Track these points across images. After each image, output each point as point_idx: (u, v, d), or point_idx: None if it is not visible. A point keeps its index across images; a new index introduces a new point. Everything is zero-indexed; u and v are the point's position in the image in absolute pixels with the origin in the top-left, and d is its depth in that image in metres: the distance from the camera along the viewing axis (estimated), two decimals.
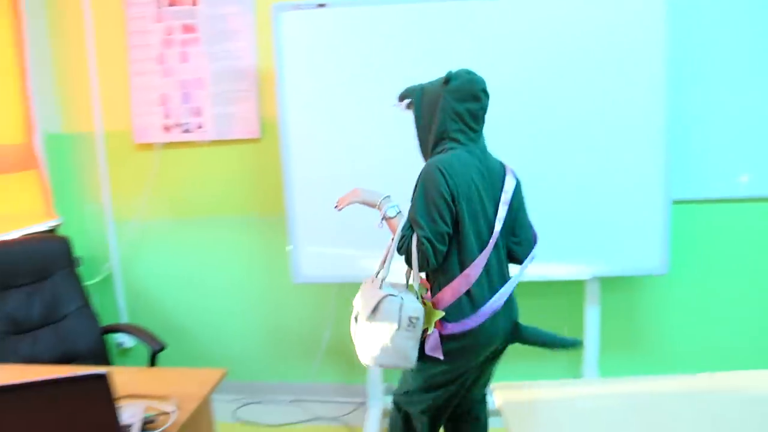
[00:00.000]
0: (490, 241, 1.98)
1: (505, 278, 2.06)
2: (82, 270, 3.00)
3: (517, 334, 2.10)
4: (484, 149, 2.08)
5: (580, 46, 2.72)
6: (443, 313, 1.97)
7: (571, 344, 2.25)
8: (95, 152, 3.47)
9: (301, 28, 2.82)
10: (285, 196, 2.91)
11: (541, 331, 2.16)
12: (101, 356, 2.92)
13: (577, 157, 2.79)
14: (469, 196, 1.94)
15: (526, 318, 3.15)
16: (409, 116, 2.16)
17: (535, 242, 2.17)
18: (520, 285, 2.94)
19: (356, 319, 2.11)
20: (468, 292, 1.97)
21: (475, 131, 2.03)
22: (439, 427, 2.26)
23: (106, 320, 3.01)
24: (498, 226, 2.00)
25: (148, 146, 3.37)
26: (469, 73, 2.05)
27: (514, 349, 2.16)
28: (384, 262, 2.07)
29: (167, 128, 3.30)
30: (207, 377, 1.91)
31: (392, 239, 2.02)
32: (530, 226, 2.18)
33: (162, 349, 2.74)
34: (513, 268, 2.17)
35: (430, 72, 2.66)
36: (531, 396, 1.78)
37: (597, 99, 2.75)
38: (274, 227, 3.30)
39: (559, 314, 3.23)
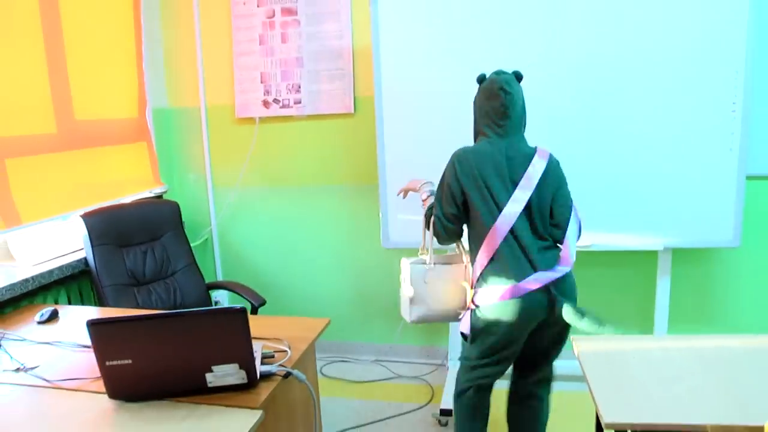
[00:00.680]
0: (496, 223, 2.12)
1: (535, 266, 2.11)
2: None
3: (560, 315, 2.09)
4: (512, 140, 2.22)
5: (657, 22, 2.86)
6: (472, 291, 2.21)
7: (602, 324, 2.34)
8: (199, 125, 3.77)
9: (396, 10, 3.04)
10: (378, 166, 3.13)
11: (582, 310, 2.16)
12: None
13: (655, 132, 2.93)
14: (476, 182, 2.15)
15: (598, 286, 3.34)
16: None
17: (569, 224, 2.22)
18: (595, 254, 3.12)
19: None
20: (488, 272, 2.14)
21: (500, 126, 2.22)
22: (484, 399, 2.40)
23: (205, 279, 3.30)
24: (512, 208, 2.12)
25: (249, 120, 3.65)
26: (496, 73, 2.26)
27: None
28: (424, 235, 2.47)
29: (266, 104, 3.58)
30: (313, 324, 2.16)
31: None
32: (569, 208, 2.24)
33: (263, 304, 3.00)
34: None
35: (520, 52, 2.88)
36: (606, 347, 1.93)
37: (675, 75, 2.88)
38: (364, 196, 3.55)
39: (632, 284, 3.40)
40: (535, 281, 2.07)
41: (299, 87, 3.52)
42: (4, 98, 2.63)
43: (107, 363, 1.58)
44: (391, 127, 3.11)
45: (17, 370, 1.94)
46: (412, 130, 3.09)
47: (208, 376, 1.61)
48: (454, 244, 2.40)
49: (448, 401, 3.02)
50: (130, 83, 3.52)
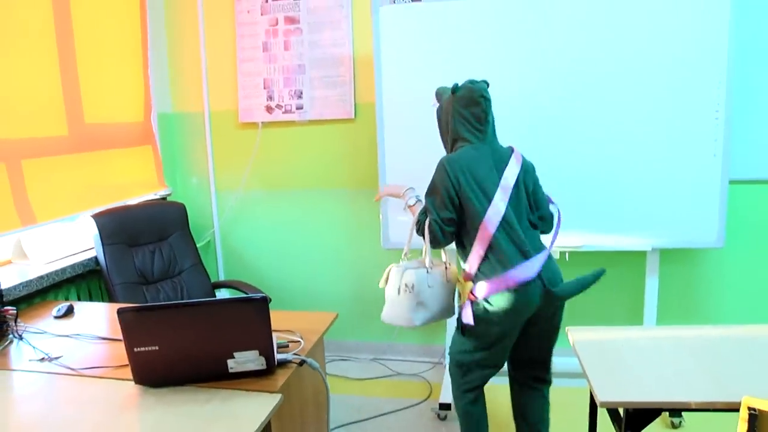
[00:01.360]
0: (488, 212, 2.25)
1: (527, 252, 2.24)
2: None
3: (554, 297, 2.27)
4: (493, 142, 2.40)
5: (644, 31, 2.99)
6: (472, 284, 2.32)
7: (600, 273, 2.43)
8: (203, 130, 3.88)
9: (396, 19, 3.16)
10: (378, 170, 3.25)
11: (572, 283, 2.34)
12: None
13: (643, 138, 3.06)
14: (470, 185, 2.27)
15: (592, 286, 3.46)
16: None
17: (553, 217, 2.47)
18: (587, 254, 3.25)
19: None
20: (487, 263, 2.27)
21: (480, 131, 2.37)
22: (484, 406, 2.54)
23: None
24: (501, 197, 2.27)
25: (251, 125, 3.77)
26: (471, 83, 2.40)
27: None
28: (409, 240, 2.54)
29: (269, 109, 3.70)
30: (323, 318, 2.27)
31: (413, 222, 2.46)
32: (548, 203, 2.47)
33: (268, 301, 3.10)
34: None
35: (515, 59, 3.00)
36: (598, 336, 2.10)
37: (662, 83, 3.01)
38: (364, 199, 3.67)
39: (622, 282, 3.54)
40: (531, 265, 2.21)
41: (301, 93, 3.64)
42: (20, 101, 2.74)
43: (135, 349, 1.68)
44: (390, 133, 3.23)
45: (42, 359, 2.04)
46: (411, 135, 3.21)
47: (230, 362, 1.72)
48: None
49: (446, 396, 3.13)
50: (136, 88, 3.62)
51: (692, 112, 3.02)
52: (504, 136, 3.05)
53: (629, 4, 2.98)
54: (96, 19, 3.23)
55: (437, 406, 3.10)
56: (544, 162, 3.01)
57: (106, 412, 1.65)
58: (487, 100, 2.38)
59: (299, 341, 1.99)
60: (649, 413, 1.67)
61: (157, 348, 1.68)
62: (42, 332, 2.32)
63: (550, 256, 2.31)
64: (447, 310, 2.53)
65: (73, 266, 2.96)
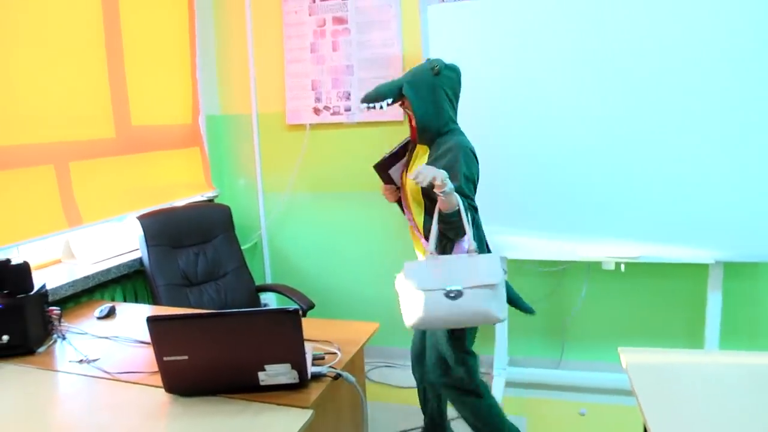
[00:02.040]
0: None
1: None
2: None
3: None
4: None
5: (713, 35, 2.82)
6: None
7: (526, 310, 2.47)
8: (250, 132, 3.87)
9: (445, 19, 3.08)
10: None
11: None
12: None
13: (708, 143, 2.89)
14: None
15: (646, 298, 3.31)
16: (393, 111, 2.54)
17: None
18: (644, 266, 3.10)
19: None
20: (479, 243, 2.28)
21: (456, 115, 2.35)
22: None
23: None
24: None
25: (299, 127, 3.73)
26: (451, 63, 2.35)
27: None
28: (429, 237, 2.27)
29: (317, 111, 3.66)
30: (362, 328, 2.21)
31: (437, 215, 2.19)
32: None
33: (312, 307, 3.06)
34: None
35: (569, 60, 2.88)
36: (654, 359, 1.89)
37: (729, 86, 2.84)
38: None
39: (681, 299, 3.36)
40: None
41: (349, 94, 3.58)
42: (69, 105, 2.76)
43: (165, 358, 1.65)
44: None
45: (80, 361, 2.05)
46: None
47: (261, 375, 1.67)
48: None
49: None
50: (184, 91, 3.64)
51: (762, 117, 2.83)
52: (555, 140, 2.96)
53: (693, 9, 2.82)
54: (144, 23, 3.25)
55: None
56: (599, 165, 2.90)
57: (135, 419, 1.63)
58: None
59: (336, 353, 1.93)
60: None
61: (186, 358, 1.64)
62: (83, 333, 2.33)
63: None
64: None
65: (118, 267, 2.98)
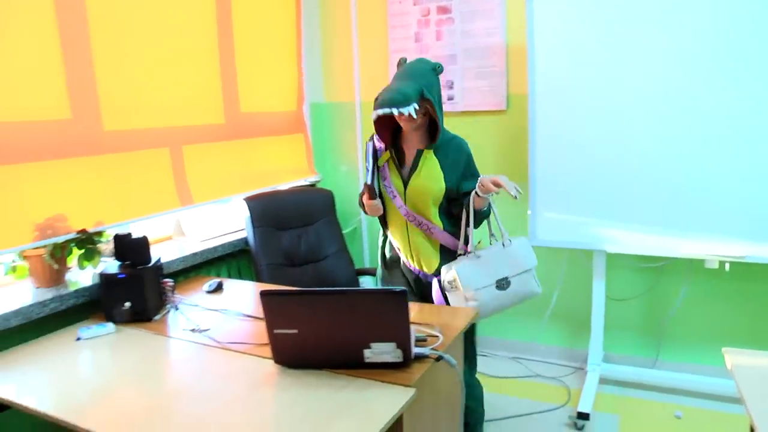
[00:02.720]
0: None
1: None
2: None
3: None
4: None
5: None
6: None
7: None
8: (353, 119, 3.93)
9: (551, 7, 3.01)
10: (528, 163, 3.13)
11: None
12: None
13: None
14: None
15: (753, 301, 3.14)
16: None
17: None
18: (751, 266, 2.95)
19: None
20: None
21: None
22: None
23: None
24: None
25: None
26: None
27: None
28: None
29: None
30: (463, 313, 2.21)
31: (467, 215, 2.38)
32: None
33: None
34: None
35: (678, 51, 2.75)
36: (762, 362, 1.82)
37: None
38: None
39: None
40: None
41: (452, 83, 3.58)
42: (183, 93, 2.91)
43: (275, 331, 1.71)
44: (543, 125, 3.10)
45: (192, 330, 2.16)
46: (564, 128, 3.06)
47: (366, 352, 1.70)
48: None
49: (586, 404, 2.98)
50: (290, 80, 3.74)
51: None
52: (660, 130, 2.85)
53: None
54: (253, 15, 3.36)
55: (575, 414, 2.95)
56: (705, 157, 2.78)
57: (245, 386, 1.71)
58: None
59: (438, 336, 1.94)
60: None
61: (296, 331, 1.70)
62: (194, 305, 2.44)
63: None
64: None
65: (224, 245, 3.10)
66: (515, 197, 2.21)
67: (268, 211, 3.18)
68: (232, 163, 3.25)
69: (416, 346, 1.84)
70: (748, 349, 1.89)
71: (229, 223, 3.35)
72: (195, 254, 2.92)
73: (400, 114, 2.17)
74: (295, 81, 3.79)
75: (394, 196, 2.45)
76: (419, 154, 2.40)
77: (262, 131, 3.49)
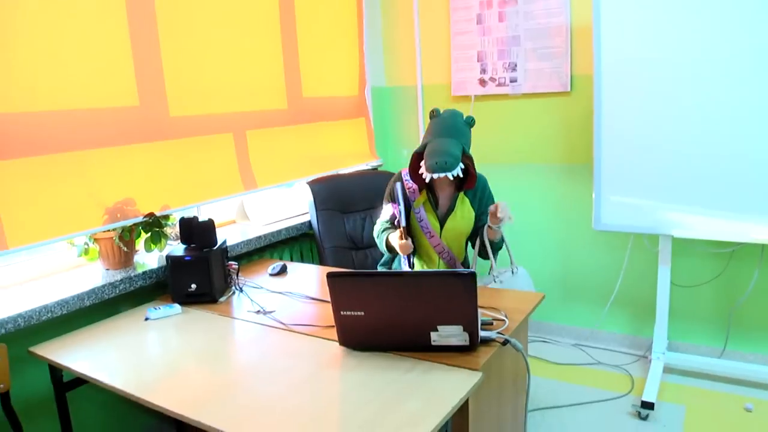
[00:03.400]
0: None
1: None
2: None
3: None
4: None
5: None
6: None
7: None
8: (415, 103, 3.91)
9: None
10: (594, 145, 3.05)
11: None
12: None
13: None
14: None
15: None
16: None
17: None
18: None
19: None
20: None
21: None
22: None
23: None
24: None
25: (464, 98, 3.72)
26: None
27: None
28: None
29: (482, 82, 3.63)
30: (529, 298, 2.19)
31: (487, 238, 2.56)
32: None
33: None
34: None
35: (750, 29, 2.63)
36: None
37: None
38: (576, 175, 3.49)
39: None
40: None
41: (515, 65, 3.52)
42: (247, 79, 2.94)
43: (342, 312, 1.72)
44: (609, 107, 3.00)
45: (258, 312, 2.19)
46: (630, 110, 2.95)
47: (433, 335, 1.70)
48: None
49: (650, 393, 2.90)
50: (351, 64, 3.74)
51: None
52: (733, 110, 2.74)
53: None
54: (315, 4, 3.37)
55: (639, 403, 2.88)
56: None
57: (311, 367, 1.72)
58: None
59: (504, 320, 1.92)
60: None
61: (362, 313, 1.70)
62: (259, 287, 2.48)
63: None
64: None
65: (287, 229, 3.14)
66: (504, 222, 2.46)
67: (332, 195, 3.19)
68: (295, 147, 3.28)
69: (482, 329, 1.82)
70: None
71: (291, 207, 3.39)
72: (259, 237, 2.96)
73: (453, 176, 2.37)
74: (357, 65, 3.79)
75: (432, 236, 2.59)
76: (456, 197, 2.59)
77: (323, 116, 3.51)
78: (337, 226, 3.16)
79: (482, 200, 2.64)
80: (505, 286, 2.50)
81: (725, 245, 3.15)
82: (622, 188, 3.02)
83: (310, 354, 1.81)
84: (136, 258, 2.58)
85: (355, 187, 3.32)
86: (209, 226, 2.36)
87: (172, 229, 2.62)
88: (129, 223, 2.40)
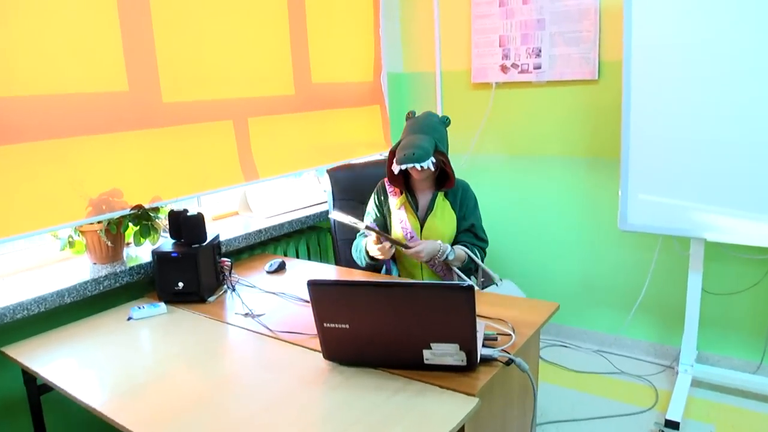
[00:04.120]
0: None
1: None
2: None
3: None
4: None
5: None
6: None
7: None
8: (433, 90, 3.72)
9: None
10: (621, 139, 2.83)
11: None
12: None
13: None
14: None
15: None
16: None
17: None
18: None
19: None
20: None
21: None
22: None
23: None
24: None
25: (485, 86, 3.51)
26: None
27: None
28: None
29: (504, 68, 3.41)
30: (540, 308, 1.98)
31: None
32: None
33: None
34: None
35: None
36: None
37: None
38: (602, 170, 3.26)
39: None
40: None
41: (539, 51, 3.29)
42: (250, 62, 2.77)
43: (325, 325, 1.55)
44: (639, 97, 2.77)
45: (246, 314, 2.04)
46: (663, 100, 2.72)
47: (426, 353, 1.51)
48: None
49: (675, 411, 2.69)
50: (366, 48, 3.55)
51: None
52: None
53: None
54: None
55: (662, 421, 2.66)
56: None
57: (291, 382, 1.57)
58: None
59: (510, 335, 1.73)
60: None
61: (347, 326, 1.53)
62: (252, 286, 2.33)
63: None
64: None
65: (291, 222, 2.98)
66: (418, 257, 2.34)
67: (353, 184, 3.00)
68: (302, 136, 3.11)
69: (485, 345, 1.64)
70: None
71: (298, 198, 3.22)
72: (260, 231, 2.80)
73: (421, 167, 2.31)
74: (372, 50, 3.59)
75: (412, 237, 2.48)
76: (435, 196, 2.50)
77: (335, 103, 3.33)
78: (355, 216, 3.00)
79: (464, 205, 2.52)
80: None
81: (764, 251, 2.90)
82: (652, 186, 2.80)
83: (293, 366, 1.65)
84: (128, 252, 2.44)
85: (375, 177, 3.13)
86: (198, 220, 2.21)
87: (166, 222, 2.47)
88: (115, 215, 2.26)
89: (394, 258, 2.61)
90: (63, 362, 1.76)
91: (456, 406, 1.41)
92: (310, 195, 3.26)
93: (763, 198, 2.57)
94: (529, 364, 1.63)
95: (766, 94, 2.50)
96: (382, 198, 2.61)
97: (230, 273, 2.35)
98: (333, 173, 2.98)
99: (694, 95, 2.66)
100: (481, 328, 1.70)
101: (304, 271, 2.54)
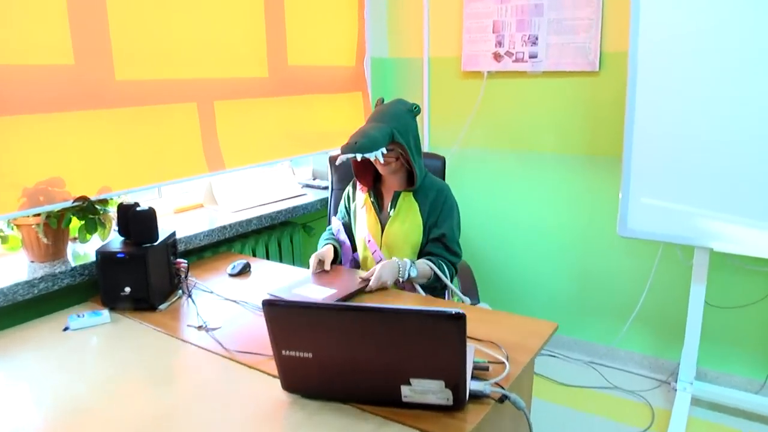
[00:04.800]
0: None
1: None
2: None
3: None
4: None
5: None
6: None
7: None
8: (420, 78, 3.47)
9: None
10: (623, 137, 2.61)
11: None
12: None
13: None
14: None
15: None
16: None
17: None
18: None
19: None
20: None
21: None
22: None
23: None
24: None
25: (476, 74, 3.27)
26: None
27: None
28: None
29: (497, 57, 3.16)
30: (537, 329, 1.73)
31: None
32: None
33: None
34: None
35: None
36: None
37: None
38: (603, 170, 3.04)
39: None
40: None
41: (536, 39, 3.04)
42: (218, 39, 2.51)
43: (283, 352, 1.29)
44: (644, 91, 2.56)
45: (199, 327, 1.79)
46: (670, 96, 2.52)
47: (404, 389, 1.26)
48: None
49: None
50: (349, 30, 3.31)
51: None
52: None
53: None
54: None
55: None
56: None
57: (242, 418, 1.32)
58: None
59: (504, 363, 1.48)
60: None
61: (310, 356, 1.27)
62: (210, 291, 2.08)
63: None
64: None
65: (260, 218, 2.73)
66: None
67: (349, 173, 2.79)
68: (276, 123, 2.86)
69: (474, 377, 1.39)
70: None
71: (271, 191, 2.97)
72: (225, 228, 2.54)
73: (376, 159, 2.11)
74: (356, 32, 3.35)
75: (369, 240, 2.27)
76: (397, 195, 2.24)
77: (313, 88, 3.08)
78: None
79: (436, 209, 2.22)
80: None
81: None
82: (656, 189, 2.60)
83: (249, 397, 1.40)
84: (74, 249, 2.17)
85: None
86: (149, 216, 1.94)
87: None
88: (55, 207, 1.98)
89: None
90: None
91: None
92: (283, 187, 3.00)
93: None
94: (523, 396, 1.39)
95: None
96: (350, 194, 2.41)
97: (186, 276, 2.09)
98: (335, 159, 2.76)
99: (705, 91, 2.45)
100: (471, 353, 1.45)
101: (270, 273, 2.29)
